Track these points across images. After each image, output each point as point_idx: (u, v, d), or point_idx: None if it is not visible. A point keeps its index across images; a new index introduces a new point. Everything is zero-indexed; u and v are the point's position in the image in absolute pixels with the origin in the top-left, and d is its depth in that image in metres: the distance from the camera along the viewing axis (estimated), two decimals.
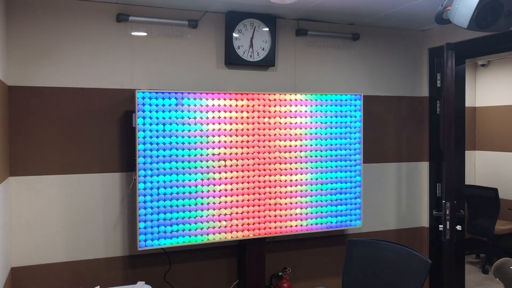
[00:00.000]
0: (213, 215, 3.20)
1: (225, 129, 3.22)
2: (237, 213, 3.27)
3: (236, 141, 3.26)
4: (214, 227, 3.21)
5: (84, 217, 3.13)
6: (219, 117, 3.21)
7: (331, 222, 3.55)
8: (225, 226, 3.24)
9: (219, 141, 3.21)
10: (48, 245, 3.05)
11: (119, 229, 3.21)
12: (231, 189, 3.25)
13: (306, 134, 3.45)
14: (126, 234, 3.23)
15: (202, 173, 3.17)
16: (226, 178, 3.23)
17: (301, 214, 3.45)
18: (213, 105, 3.19)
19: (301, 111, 3.44)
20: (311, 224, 3.48)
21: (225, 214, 3.24)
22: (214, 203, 3.20)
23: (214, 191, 3.20)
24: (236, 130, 3.26)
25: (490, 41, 3.48)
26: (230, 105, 3.24)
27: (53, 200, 3.06)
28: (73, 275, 3.11)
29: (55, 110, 3.05)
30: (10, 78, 2.94)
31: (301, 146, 3.43)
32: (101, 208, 3.16)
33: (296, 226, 3.44)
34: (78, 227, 3.11)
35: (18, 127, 2.97)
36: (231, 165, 3.24)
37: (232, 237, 3.27)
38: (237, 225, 3.27)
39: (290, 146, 3.41)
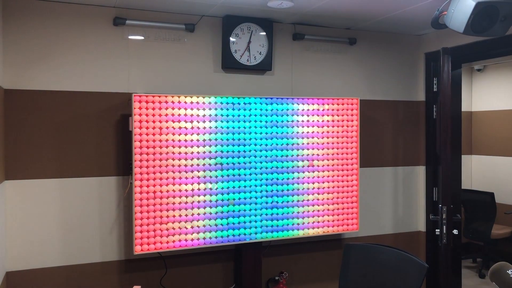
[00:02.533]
0: (210, 219, 3.19)
1: (221, 133, 3.22)
2: (233, 217, 3.26)
3: (233, 145, 3.25)
4: (210, 231, 3.20)
5: (79, 221, 3.11)
6: (216, 121, 3.21)
7: (328, 226, 3.54)
8: (222, 230, 3.23)
9: (216, 145, 3.20)
10: (43, 249, 3.03)
11: (115, 233, 3.20)
12: (228, 193, 3.24)
13: (303, 137, 3.45)
14: (122, 238, 3.21)
15: (198, 177, 3.16)
16: (222, 182, 3.22)
17: (297, 218, 3.44)
18: (210, 109, 3.19)
19: (297, 115, 3.44)
20: (308, 228, 3.48)
21: (222, 218, 3.23)
22: (210, 207, 3.19)
23: (210, 195, 3.19)
24: (233, 134, 3.25)
25: (486, 46, 3.49)
26: (227, 109, 3.24)
27: (49, 204, 3.04)
28: (68, 279, 3.09)
29: (51, 113, 3.04)
30: (6, 82, 2.93)
31: (297, 150, 3.43)
32: (97, 212, 3.15)
33: (293, 230, 3.43)
34: (73, 231, 3.10)
35: (14, 131, 2.96)
36: (228, 169, 3.24)
37: (228, 241, 3.26)
38: (233, 229, 3.26)
39: (287, 150, 3.41)
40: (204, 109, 3.17)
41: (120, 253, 3.21)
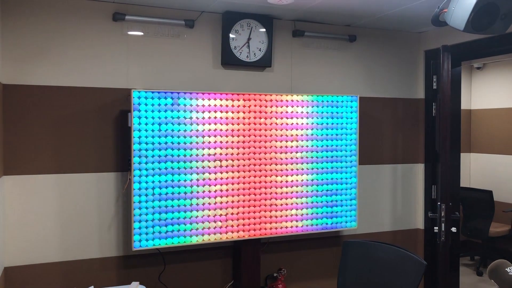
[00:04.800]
0: (209, 216, 3.19)
1: (221, 130, 3.22)
2: (232, 213, 3.26)
3: (232, 142, 3.25)
4: (209, 228, 3.20)
5: (78, 217, 3.11)
6: (215, 117, 3.20)
7: (327, 223, 3.55)
8: (220, 227, 3.23)
9: (215, 141, 3.20)
10: (42, 244, 3.03)
11: (114, 229, 3.20)
12: (227, 190, 3.24)
13: (302, 135, 3.45)
14: (121, 234, 3.21)
15: (197, 173, 3.16)
16: (221, 178, 3.22)
17: (296, 215, 3.44)
18: (209, 105, 3.18)
19: (297, 112, 3.43)
20: (307, 225, 3.48)
21: (220, 215, 3.23)
22: (209, 203, 3.19)
23: (209, 191, 3.19)
24: (232, 130, 3.25)
25: (486, 44, 3.49)
26: (226, 105, 3.23)
27: (47, 199, 3.04)
28: (67, 275, 3.09)
29: (50, 109, 3.04)
30: (4, 77, 2.92)
31: (297, 147, 3.43)
32: (96, 208, 3.15)
33: (291, 227, 3.43)
34: (72, 227, 3.10)
35: (12, 126, 2.95)
36: (226, 166, 3.24)
37: (227, 237, 3.26)
38: (232, 225, 3.26)
39: (286, 147, 3.40)
40: (203, 106, 3.16)
41: (118, 249, 3.21)
